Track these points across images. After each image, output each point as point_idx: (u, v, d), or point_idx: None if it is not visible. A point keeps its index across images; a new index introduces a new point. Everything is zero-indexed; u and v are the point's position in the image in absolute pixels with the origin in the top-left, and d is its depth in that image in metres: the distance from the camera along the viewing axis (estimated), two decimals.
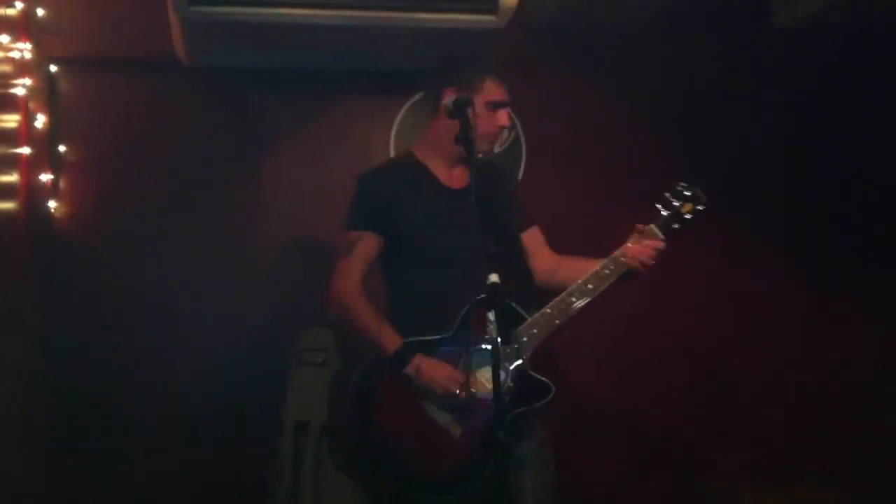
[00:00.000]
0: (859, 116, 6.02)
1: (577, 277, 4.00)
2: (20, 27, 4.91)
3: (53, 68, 5.26)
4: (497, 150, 5.59)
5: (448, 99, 3.93)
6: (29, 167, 4.98)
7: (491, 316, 3.40)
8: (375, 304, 4.09)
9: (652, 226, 4.00)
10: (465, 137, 3.78)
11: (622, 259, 3.98)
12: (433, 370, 3.90)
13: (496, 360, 3.44)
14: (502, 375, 3.75)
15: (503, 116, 4.15)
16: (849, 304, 5.94)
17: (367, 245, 4.08)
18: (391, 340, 3.94)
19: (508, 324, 3.84)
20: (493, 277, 3.41)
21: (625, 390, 5.73)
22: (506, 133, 4.03)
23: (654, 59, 5.85)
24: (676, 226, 4.01)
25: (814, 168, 6.02)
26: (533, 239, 4.31)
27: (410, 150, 4.29)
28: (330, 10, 4.72)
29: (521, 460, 3.91)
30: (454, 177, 4.16)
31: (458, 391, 3.86)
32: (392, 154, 5.52)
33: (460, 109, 3.79)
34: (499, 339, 3.40)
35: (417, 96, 5.51)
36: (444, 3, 4.81)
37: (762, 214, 5.95)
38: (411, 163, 4.21)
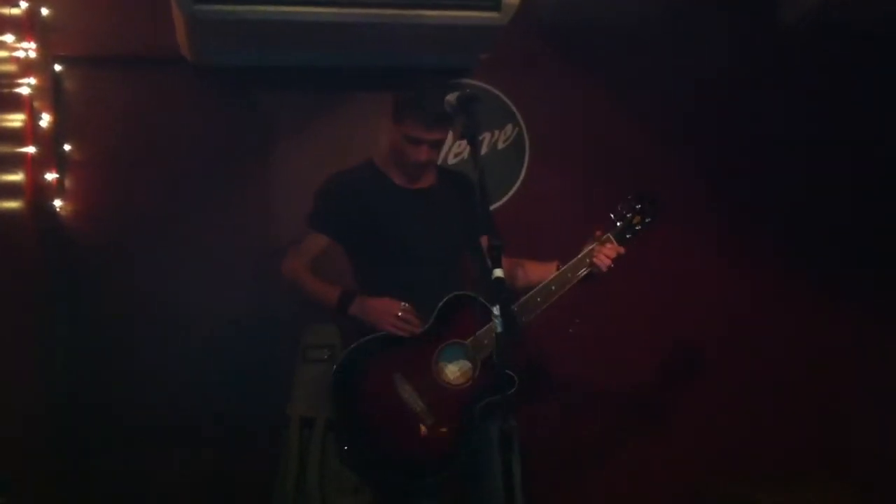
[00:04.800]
0: (862, 114, 6.08)
1: (532, 281, 4.34)
2: (25, 26, 4.90)
3: (58, 67, 5.27)
4: (501, 145, 5.71)
5: (451, 96, 3.98)
6: (34, 166, 4.97)
7: (496, 310, 3.51)
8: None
9: (609, 234, 4.34)
10: (469, 133, 3.87)
11: (586, 262, 4.30)
12: (375, 303, 4.21)
13: (502, 354, 3.60)
14: (472, 367, 4.17)
15: (417, 152, 4.28)
16: (850, 300, 6.01)
17: (315, 242, 4.46)
18: (334, 292, 4.30)
19: (483, 319, 4.10)
20: (498, 273, 3.53)
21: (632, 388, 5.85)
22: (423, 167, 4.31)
23: (655, 56, 5.91)
24: (629, 236, 4.38)
25: (815, 165, 6.08)
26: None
27: (371, 159, 4.57)
28: (333, 8, 4.76)
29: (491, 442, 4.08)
30: (410, 181, 4.44)
31: (400, 310, 4.15)
32: None
33: (464, 106, 3.89)
34: (502, 331, 3.51)
35: None
36: (449, 0, 4.86)
37: (762, 211, 6.03)
38: (372, 170, 4.50)
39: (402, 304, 4.18)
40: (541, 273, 4.38)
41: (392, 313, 4.16)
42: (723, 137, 5.97)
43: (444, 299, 4.21)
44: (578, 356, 5.70)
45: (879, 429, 5.95)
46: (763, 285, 5.97)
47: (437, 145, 4.34)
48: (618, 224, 4.38)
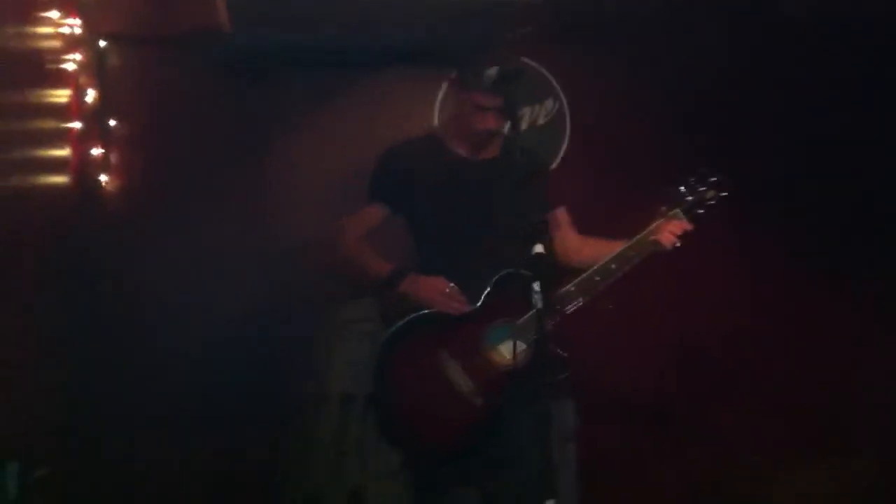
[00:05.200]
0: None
1: (600, 259, 4.12)
2: (69, 3, 4.96)
3: (102, 43, 5.26)
4: (542, 121, 5.70)
5: (492, 70, 3.96)
6: (80, 141, 5.01)
7: (536, 286, 3.50)
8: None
9: (677, 210, 4.14)
10: (507, 110, 3.91)
11: (651, 239, 4.11)
12: (426, 281, 4.11)
13: (541, 331, 3.62)
14: (521, 348, 3.97)
15: (484, 119, 4.16)
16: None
17: (372, 213, 4.33)
18: (385, 266, 4.21)
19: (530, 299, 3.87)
20: (538, 248, 3.54)
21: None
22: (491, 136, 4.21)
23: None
24: (700, 211, 4.16)
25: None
26: (558, 219, 4.40)
27: (430, 132, 4.52)
28: None
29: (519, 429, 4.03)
30: (474, 151, 4.29)
31: (448, 289, 4.05)
32: None
33: (506, 80, 3.90)
34: (541, 309, 3.53)
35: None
36: None
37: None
38: (433, 141, 4.38)
39: (450, 283, 4.09)
40: (592, 250, 4.29)
41: (441, 291, 4.07)
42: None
43: (496, 277, 4.09)
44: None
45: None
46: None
47: (503, 113, 4.15)
48: (689, 198, 4.18)
